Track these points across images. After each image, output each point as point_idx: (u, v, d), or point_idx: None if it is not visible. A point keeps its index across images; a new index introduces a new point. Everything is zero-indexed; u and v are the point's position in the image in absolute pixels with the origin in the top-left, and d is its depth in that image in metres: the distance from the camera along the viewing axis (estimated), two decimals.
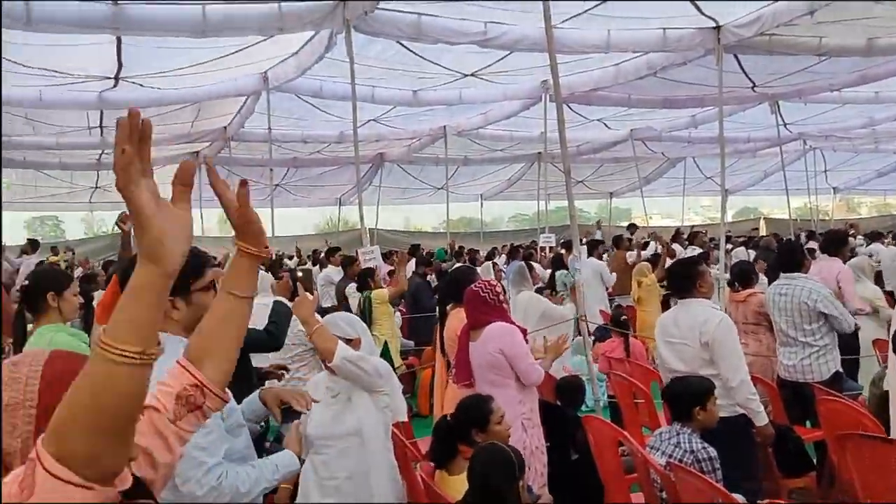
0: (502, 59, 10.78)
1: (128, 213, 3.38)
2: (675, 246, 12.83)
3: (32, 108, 12.00)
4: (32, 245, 14.55)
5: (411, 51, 10.27)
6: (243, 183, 1.56)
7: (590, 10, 8.86)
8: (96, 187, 20.37)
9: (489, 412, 3.65)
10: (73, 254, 16.28)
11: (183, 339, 2.22)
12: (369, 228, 15.31)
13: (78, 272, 12.09)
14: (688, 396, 3.92)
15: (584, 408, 5.93)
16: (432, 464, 3.84)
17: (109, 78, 10.64)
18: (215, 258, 9.53)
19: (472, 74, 11.85)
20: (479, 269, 9.24)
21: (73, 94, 11.28)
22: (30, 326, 3.52)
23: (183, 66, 10.30)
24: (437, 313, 5.90)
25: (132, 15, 7.91)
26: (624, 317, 7.96)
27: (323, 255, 13.96)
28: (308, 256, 18.31)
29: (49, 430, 1.04)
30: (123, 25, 8.05)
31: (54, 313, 3.38)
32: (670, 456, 3.77)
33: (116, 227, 4.40)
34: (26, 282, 3.84)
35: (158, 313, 1.13)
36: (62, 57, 9.62)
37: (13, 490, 1.05)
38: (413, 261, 11.01)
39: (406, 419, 4.66)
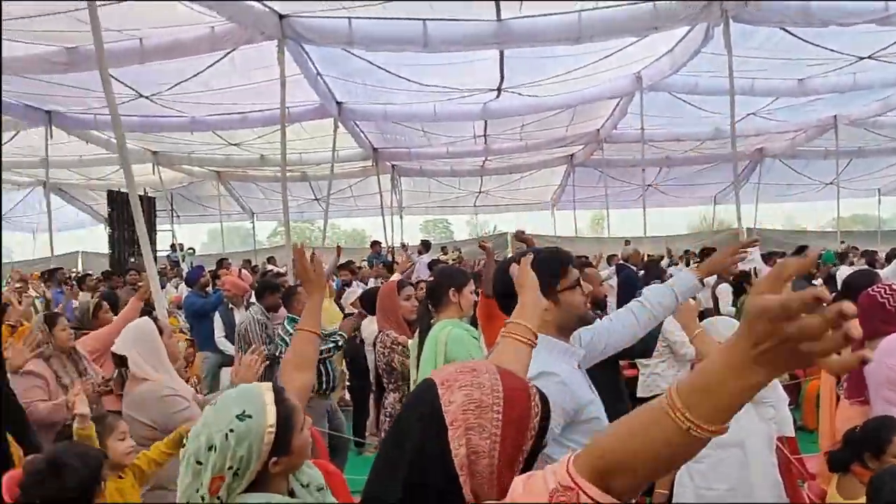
0: None
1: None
2: None
3: (428, 122, 13.32)
4: (425, 245, 16.16)
5: (797, 36, 9.56)
6: None
7: None
8: (480, 192, 22.03)
9: (887, 442, 3.23)
10: (460, 253, 17.72)
11: (554, 339, 2.30)
12: (747, 228, 14.56)
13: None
14: None
15: None
16: (828, 474, 3.52)
17: (493, 90, 11.44)
18: (586, 257, 9.75)
19: (868, 57, 10.73)
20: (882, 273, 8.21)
21: (462, 106, 12.32)
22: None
23: (559, 73, 10.69)
24: None
25: (514, 29, 8.42)
26: None
27: (697, 256, 13.56)
28: (679, 257, 17.92)
29: (595, 464, 1.12)
30: (506, 39, 8.60)
31: (454, 308, 3.71)
32: None
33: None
34: (426, 279, 4.30)
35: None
36: (453, 73, 10.55)
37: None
38: None
39: (792, 433, 4.33)
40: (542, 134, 15.11)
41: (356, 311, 7.42)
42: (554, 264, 2.32)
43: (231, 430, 1.60)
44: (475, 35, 8.52)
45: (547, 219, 23.02)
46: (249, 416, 1.62)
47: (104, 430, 3.02)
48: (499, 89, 11.38)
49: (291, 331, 5.19)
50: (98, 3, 5.49)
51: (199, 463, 1.59)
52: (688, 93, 12.24)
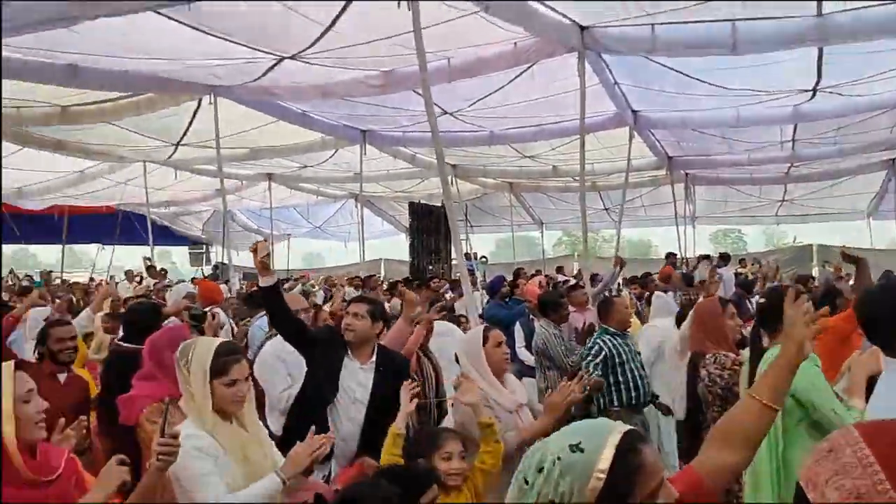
0: None
1: None
2: None
3: (729, 128, 12.63)
4: (724, 258, 15.40)
5: None
6: None
7: None
8: (783, 200, 20.58)
9: None
10: (760, 265, 16.66)
11: None
12: None
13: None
14: None
15: None
16: None
17: (806, 91, 10.55)
18: None
19: None
20: None
21: (768, 110, 11.52)
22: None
23: (883, 69, 9.61)
24: None
25: (838, 24, 7.67)
26: None
27: None
28: None
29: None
30: (828, 36, 7.87)
31: None
32: None
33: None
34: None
35: None
36: (760, 75, 9.88)
37: None
38: None
39: None
40: (858, 137, 13.70)
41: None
42: None
43: (559, 458, 1.48)
44: (791, 33, 7.87)
45: (860, 229, 20.97)
46: (581, 451, 1.48)
47: (432, 448, 3.06)
48: (814, 90, 10.45)
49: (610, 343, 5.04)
50: (423, 28, 5.83)
51: (526, 482, 1.50)
52: None
